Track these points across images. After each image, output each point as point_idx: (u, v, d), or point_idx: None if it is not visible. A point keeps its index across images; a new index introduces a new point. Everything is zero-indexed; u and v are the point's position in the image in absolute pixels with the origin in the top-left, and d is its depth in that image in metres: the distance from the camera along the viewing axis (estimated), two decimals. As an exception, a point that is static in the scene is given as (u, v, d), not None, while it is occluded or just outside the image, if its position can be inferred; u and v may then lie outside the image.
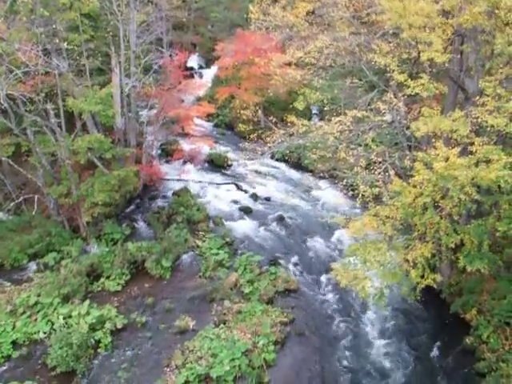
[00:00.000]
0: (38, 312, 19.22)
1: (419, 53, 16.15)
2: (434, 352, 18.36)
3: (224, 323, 18.85)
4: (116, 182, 23.28)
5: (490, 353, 17.26)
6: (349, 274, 16.45)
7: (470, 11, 14.65)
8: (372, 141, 19.14)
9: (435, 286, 17.33)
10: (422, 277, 16.54)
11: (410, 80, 16.36)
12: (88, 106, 22.57)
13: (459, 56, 17.45)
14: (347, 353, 18.39)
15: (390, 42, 18.43)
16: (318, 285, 22.03)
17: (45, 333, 18.44)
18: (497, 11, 14.63)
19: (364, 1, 20.36)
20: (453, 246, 16.82)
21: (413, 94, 16.30)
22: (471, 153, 14.56)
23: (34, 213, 23.47)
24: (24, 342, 18.23)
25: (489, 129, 15.12)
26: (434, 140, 16.04)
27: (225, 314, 19.37)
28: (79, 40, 24.04)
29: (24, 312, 19.22)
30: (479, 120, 14.75)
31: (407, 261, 16.34)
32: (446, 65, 16.47)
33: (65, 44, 22.40)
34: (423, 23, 14.91)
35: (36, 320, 18.96)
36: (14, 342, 18.12)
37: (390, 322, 19.90)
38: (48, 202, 24.31)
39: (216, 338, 17.75)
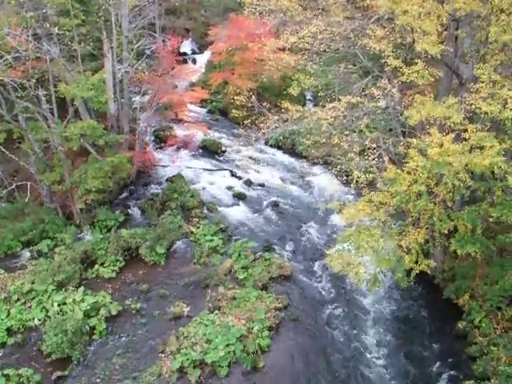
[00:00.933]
0: (33, 299, 19.23)
1: (414, 39, 16.04)
2: (427, 337, 18.57)
3: (218, 309, 18.95)
4: (109, 168, 23.18)
5: (481, 337, 17.52)
6: (342, 259, 16.51)
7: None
8: (366, 127, 19.10)
9: (429, 272, 17.46)
10: (416, 262, 16.67)
11: (404, 66, 16.27)
12: (80, 92, 22.32)
13: (454, 41, 17.34)
14: (341, 337, 18.56)
15: (384, 27, 18.28)
16: (312, 271, 22.14)
17: (39, 320, 18.47)
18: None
19: (358, -15, 20.14)
20: (446, 231, 16.94)
21: (408, 80, 16.23)
22: (465, 139, 14.56)
23: (26, 200, 23.34)
24: (19, 329, 18.26)
25: (482, 115, 15.11)
26: (428, 126, 16.02)
27: (219, 300, 19.44)
28: (70, 25, 23.67)
29: (18, 299, 19.22)
30: (473, 107, 14.72)
31: (401, 247, 16.42)
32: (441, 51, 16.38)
33: (55, 29, 22.05)
34: (417, 11, 14.76)
35: (30, 307, 18.98)
36: (8, 329, 18.14)
37: (383, 306, 20.10)
38: (41, 189, 24.15)
39: (211, 324, 17.84)
